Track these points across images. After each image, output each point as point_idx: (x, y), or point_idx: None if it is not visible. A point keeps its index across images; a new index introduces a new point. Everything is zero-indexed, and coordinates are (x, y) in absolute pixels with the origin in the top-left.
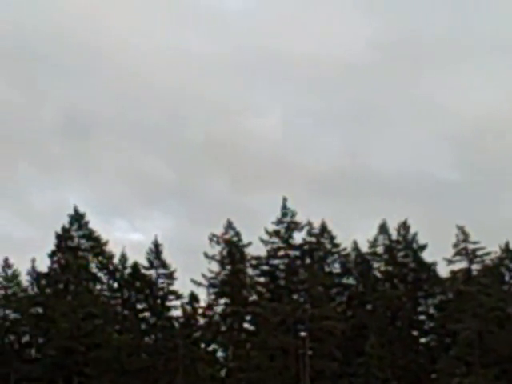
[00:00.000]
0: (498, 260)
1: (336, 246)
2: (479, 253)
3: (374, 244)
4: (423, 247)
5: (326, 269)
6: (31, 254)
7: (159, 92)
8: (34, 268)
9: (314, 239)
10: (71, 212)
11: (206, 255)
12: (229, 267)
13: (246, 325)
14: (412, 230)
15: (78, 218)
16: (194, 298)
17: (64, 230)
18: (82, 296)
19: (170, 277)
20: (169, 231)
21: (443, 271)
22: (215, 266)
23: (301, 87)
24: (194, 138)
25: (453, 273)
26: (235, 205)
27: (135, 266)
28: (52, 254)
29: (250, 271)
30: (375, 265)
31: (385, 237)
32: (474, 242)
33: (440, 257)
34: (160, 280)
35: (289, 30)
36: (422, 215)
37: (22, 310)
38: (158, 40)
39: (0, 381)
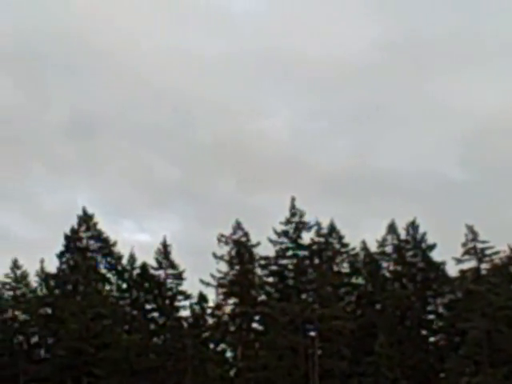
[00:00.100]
0: (507, 259)
1: (345, 245)
2: (488, 252)
3: (382, 244)
4: (432, 247)
5: (335, 268)
6: (40, 254)
7: (166, 93)
8: (42, 269)
9: (322, 239)
10: (80, 213)
11: (214, 255)
12: (237, 267)
13: (254, 325)
14: (421, 230)
15: (86, 218)
16: (202, 298)
17: (72, 230)
18: (90, 297)
19: (179, 277)
20: (177, 232)
21: (452, 270)
22: (224, 266)
23: (308, 88)
24: (202, 139)
25: (462, 272)
26: (243, 205)
27: (144, 267)
28: (61, 255)
29: (258, 271)
30: (384, 264)
31: (393, 236)
32: (483, 242)
33: (449, 256)
34: (169, 280)
35: (295, 31)
36: (430, 215)
37: (30, 311)
38: (165, 41)
39: (9, 381)
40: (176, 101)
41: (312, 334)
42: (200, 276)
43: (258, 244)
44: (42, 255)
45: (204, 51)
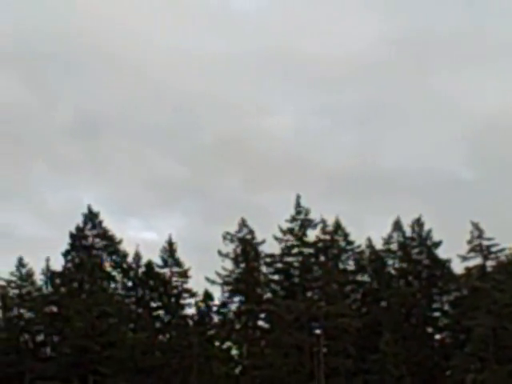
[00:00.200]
0: None
1: (350, 243)
2: (494, 249)
3: (388, 241)
4: (437, 244)
5: (340, 266)
6: (45, 253)
7: (170, 92)
8: (48, 267)
9: (327, 237)
10: (85, 211)
11: (219, 253)
12: (243, 265)
13: (260, 323)
14: (426, 227)
15: (91, 217)
16: (208, 295)
17: (78, 229)
18: (96, 295)
19: (184, 275)
20: (182, 230)
21: (458, 268)
22: (229, 264)
23: (313, 86)
24: (207, 138)
25: (467, 269)
26: (249, 203)
27: (149, 265)
28: (66, 253)
29: (264, 269)
30: (389, 262)
31: (399, 234)
32: (489, 239)
33: (454, 253)
34: (174, 278)
35: (298, 29)
36: (436, 212)
37: (36, 309)
38: (169, 40)
39: (15, 379)
40: (180, 100)
41: (317, 331)
42: (205, 274)
43: (264, 242)
44: (48, 253)
45: (208, 50)
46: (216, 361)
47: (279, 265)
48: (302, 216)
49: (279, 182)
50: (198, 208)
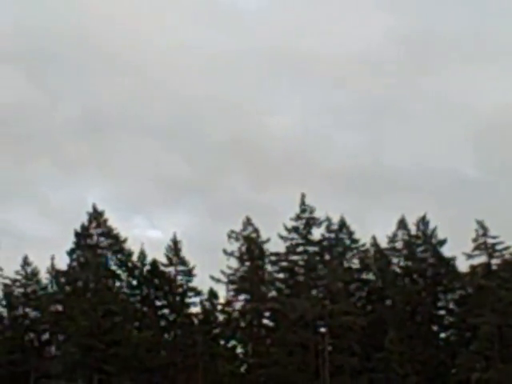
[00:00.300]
0: None
1: (355, 241)
2: (499, 247)
3: (393, 239)
4: (442, 242)
5: (345, 264)
6: (50, 251)
7: (177, 90)
8: (53, 266)
9: (332, 235)
10: (90, 210)
11: (224, 252)
12: (248, 264)
13: (265, 321)
14: (431, 225)
15: (96, 215)
16: (213, 294)
17: (83, 227)
18: (101, 293)
19: (189, 274)
20: (187, 228)
21: (463, 266)
22: (234, 263)
23: (319, 84)
24: (213, 136)
25: (472, 267)
26: (254, 201)
27: (154, 263)
28: (71, 252)
29: (268, 267)
30: (394, 260)
31: (404, 232)
32: (494, 237)
33: (459, 251)
34: (179, 277)
35: (304, 27)
36: (441, 210)
37: (41, 308)
38: (176, 39)
39: (20, 378)
40: (185, 99)
41: (322, 330)
42: (210, 272)
43: (268, 240)
44: (53, 252)
45: (210, 49)
46: (221, 359)
47: (284, 263)
48: (306, 214)
49: (284, 181)
50: (203, 206)
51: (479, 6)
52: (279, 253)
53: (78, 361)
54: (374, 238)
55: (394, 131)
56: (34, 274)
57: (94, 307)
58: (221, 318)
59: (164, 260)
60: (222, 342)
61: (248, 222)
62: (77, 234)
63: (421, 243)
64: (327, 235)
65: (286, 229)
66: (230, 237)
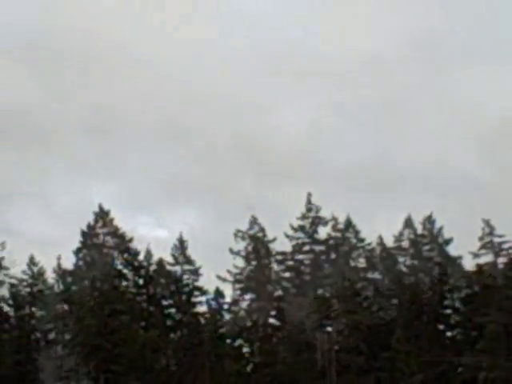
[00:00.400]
0: None
1: (361, 240)
2: (505, 246)
3: (399, 238)
4: (449, 241)
5: (351, 263)
6: (56, 251)
7: (184, 89)
8: (59, 265)
9: (338, 234)
10: (96, 209)
11: (231, 251)
12: (254, 263)
13: (271, 320)
14: (437, 224)
15: (102, 215)
16: (219, 293)
17: (89, 227)
18: (107, 293)
19: (196, 273)
20: (194, 227)
21: (469, 265)
22: (240, 262)
23: (326, 83)
24: (219, 135)
25: (479, 266)
26: (260, 201)
27: (160, 263)
28: (77, 251)
29: (275, 266)
30: (400, 259)
31: (410, 231)
32: (500, 236)
33: (466, 250)
34: (185, 276)
35: (313, 26)
36: (447, 209)
37: (47, 308)
38: (183, 38)
39: (26, 378)
40: (193, 98)
41: (329, 329)
42: (216, 272)
43: (275, 239)
44: (59, 252)
45: (221, 48)
46: (227, 359)
47: (290, 262)
48: (313, 213)
49: (290, 180)
50: (209, 206)
51: (491, 5)
52: (285, 252)
53: (84, 360)
54: (380, 237)
55: (402, 130)
56: (41, 273)
57: (100, 306)
58: (227, 317)
59: (170, 259)
60: (229, 342)
61: (254, 222)
62: (83, 234)
63: (427, 242)
64: (333, 234)
65: (292, 228)
66: (236, 236)
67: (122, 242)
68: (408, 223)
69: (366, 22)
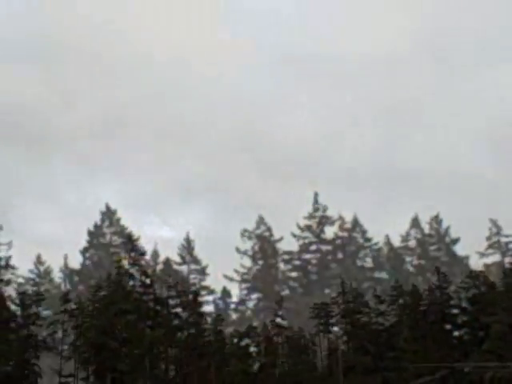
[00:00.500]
0: None
1: (368, 240)
2: None
3: (406, 238)
4: (456, 241)
5: (358, 263)
6: (63, 250)
7: (191, 89)
8: (66, 265)
9: (345, 234)
10: (103, 209)
11: (238, 250)
12: (261, 262)
13: (278, 320)
14: (444, 224)
15: (109, 214)
16: (226, 293)
17: (96, 226)
18: (114, 292)
19: (202, 272)
20: (200, 227)
21: (476, 264)
22: (247, 261)
23: (333, 83)
24: (226, 136)
25: (486, 266)
26: (266, 200)
27: (167, 262)
28: (84, 251)
29: (281, 266)
30: (407, 259)
31: (417, 231)
32: (507, 236)
33: (472, 250)
34: (192, 275)
35: (320, 26)
36: (454, 209)
37: (54, 307)
38: (188, 37)
39: (33, 377)
40: (199, 98)
41: (335, 328)
42: (223, 271)
43: (281, 239)
44: (66, 251)
45: (227, 46)
46: (234, 358)
47: (297, 262)
48: (319, 213)
49: (297, 180)
50: (216, 206)
51: (498, 5)
52: (292, 251)
53: (91, 359)
54: (387, 237)
55: (410, 130)
56: (47, 272)
57: (106, 306)
58: (234, 316)
59: (177, 259)
60: (235, 341)
61: (261, 221)
62: (90, 233)
63: (434, 242)
64: (340, 234)
65: (299, 227)
66: (243, 235)
67: (129, 242)
68: (415, 223)
69: (373, 22)
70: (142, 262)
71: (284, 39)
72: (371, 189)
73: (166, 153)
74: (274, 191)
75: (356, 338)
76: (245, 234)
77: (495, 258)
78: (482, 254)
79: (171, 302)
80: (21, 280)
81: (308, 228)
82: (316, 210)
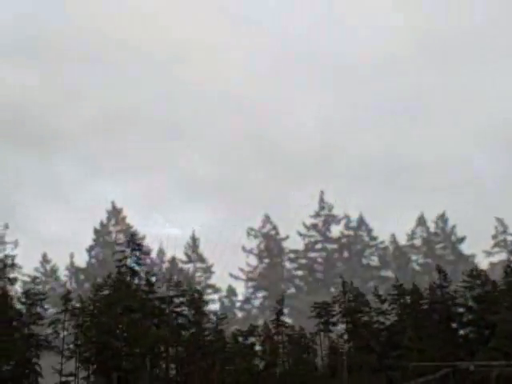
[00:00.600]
0: None
1: (374, 238)
2: None
3: (412, 237)
4: (462, 239)
5: (364, 262)
6: (69, 249)
7: (197, 89)
8: (72, 263)
9: (351, 232)
10: (109, 207)
11: (243, 249)
12: (266, 261)
13: (283, 318)
14: (450, 223)
15: (115, 213)
16: (231, 291)
17: (102, 225)
18: (119, 290)
19: (208, 271)
20: (206, 225)
21: (482, 263)
22: (253, 260)
23: (338, 81)
24: (232, 134)
25: (492, 264)
26: (272, 199)
27: (173, 261)
28: (90, 249)
29: (287, 264)
30: (413, 257)
31: (423, 229)
32: None
33: (479, 249)
34: (197, 274)
35: (323, 25)
36: (460, 207)
37: (60, 305)
38: (195, 37)
39: (38, 375)
40: (206, 96)
41: (341, 327)
42: (229, 269)
43: (287, 237)
44: (72, 250)
45: (232, 48)
46: (239, 356)
47: (303, 260)
48: (325, 212)
49: (303, 178)
50: (222, 204)
51: (502, 3)
52: (298, 250)
53: (92, 358)
54: (392, 236)
55: (415, 128)
56: (53, 270)
57: (110, 304)
58: (239, 315)
59: (183, 257)
60: (241, 339)
61: (267, 220)
62: (96, 232)
63: (440, 240)
64: (346, 232)
65: (305, 226)
66: (248, 234)
67: (135, 240)
68: (421, 221)
69: (378, 19)
70: (147, 261)
71: (285, 39)
72: (377, 187)
73: (171, 151)
74: (280, 190)
75: (357, 337)
76: (251, 232)
77: (501, 256)
78: (488, 253)
79: (176, 300)
80: (26, 278)
81: (314, 227)
82: (322, 208)
